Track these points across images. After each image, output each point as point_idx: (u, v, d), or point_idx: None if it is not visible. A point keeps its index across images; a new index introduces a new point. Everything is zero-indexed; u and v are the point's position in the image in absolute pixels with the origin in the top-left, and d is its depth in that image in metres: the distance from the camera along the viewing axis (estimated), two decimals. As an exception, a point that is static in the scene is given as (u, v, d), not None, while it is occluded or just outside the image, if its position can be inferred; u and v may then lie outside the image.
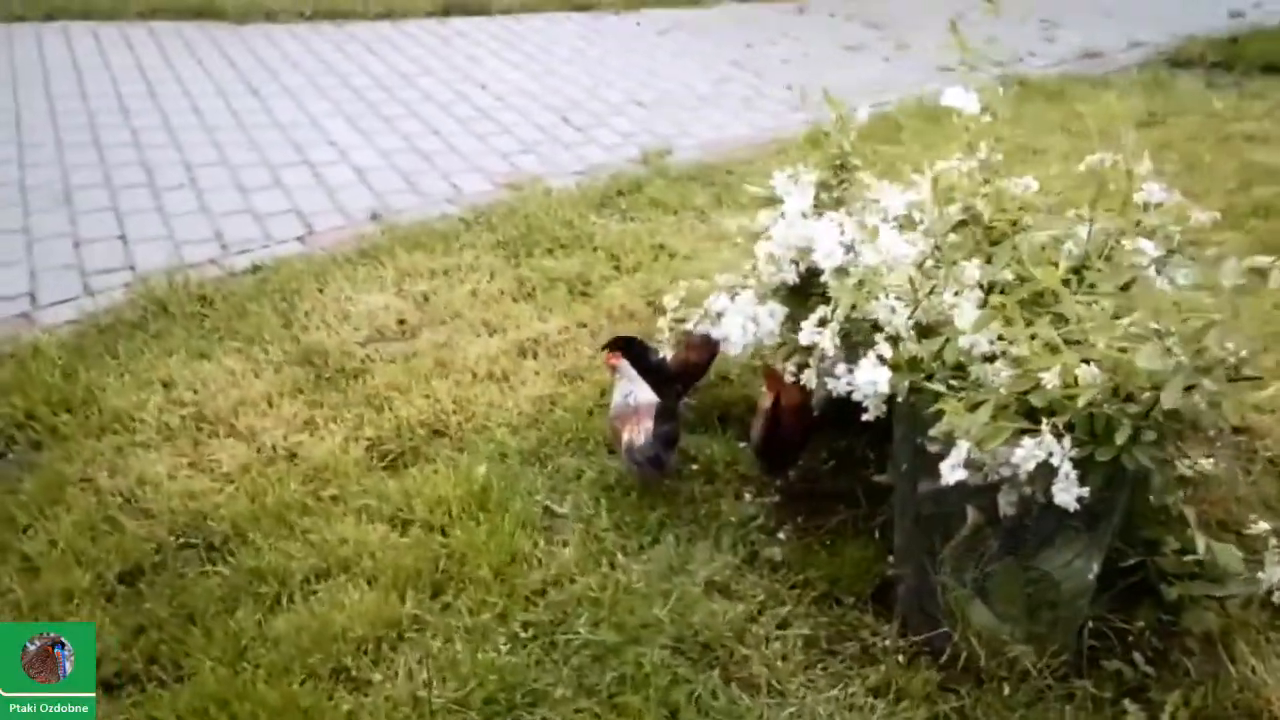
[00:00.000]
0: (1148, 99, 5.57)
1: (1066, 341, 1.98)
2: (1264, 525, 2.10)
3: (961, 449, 1.99)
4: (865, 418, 2.29)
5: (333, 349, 3.32)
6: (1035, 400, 1.98)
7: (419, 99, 5.86)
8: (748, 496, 2.71)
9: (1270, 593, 2.09)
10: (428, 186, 4.68)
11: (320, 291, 3.68)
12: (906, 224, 2.43)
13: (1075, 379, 1.91)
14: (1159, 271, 2.26)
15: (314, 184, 4.66)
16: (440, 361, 3.29)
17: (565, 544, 2.52)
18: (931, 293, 2.13)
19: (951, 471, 2.00)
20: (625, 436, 2.68)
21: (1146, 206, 2.39)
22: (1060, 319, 2.10)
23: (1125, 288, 2.18)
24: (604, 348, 2.99)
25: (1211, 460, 2.28)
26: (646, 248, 4.02)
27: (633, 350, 2.91)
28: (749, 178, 4.55)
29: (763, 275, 2.51)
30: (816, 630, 2.27)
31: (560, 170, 4.87)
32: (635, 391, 2.74)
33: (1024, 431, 1.95)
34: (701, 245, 4.03)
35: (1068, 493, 1.93)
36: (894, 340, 2.10)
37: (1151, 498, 2.17)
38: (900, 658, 2.21)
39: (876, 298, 2.17)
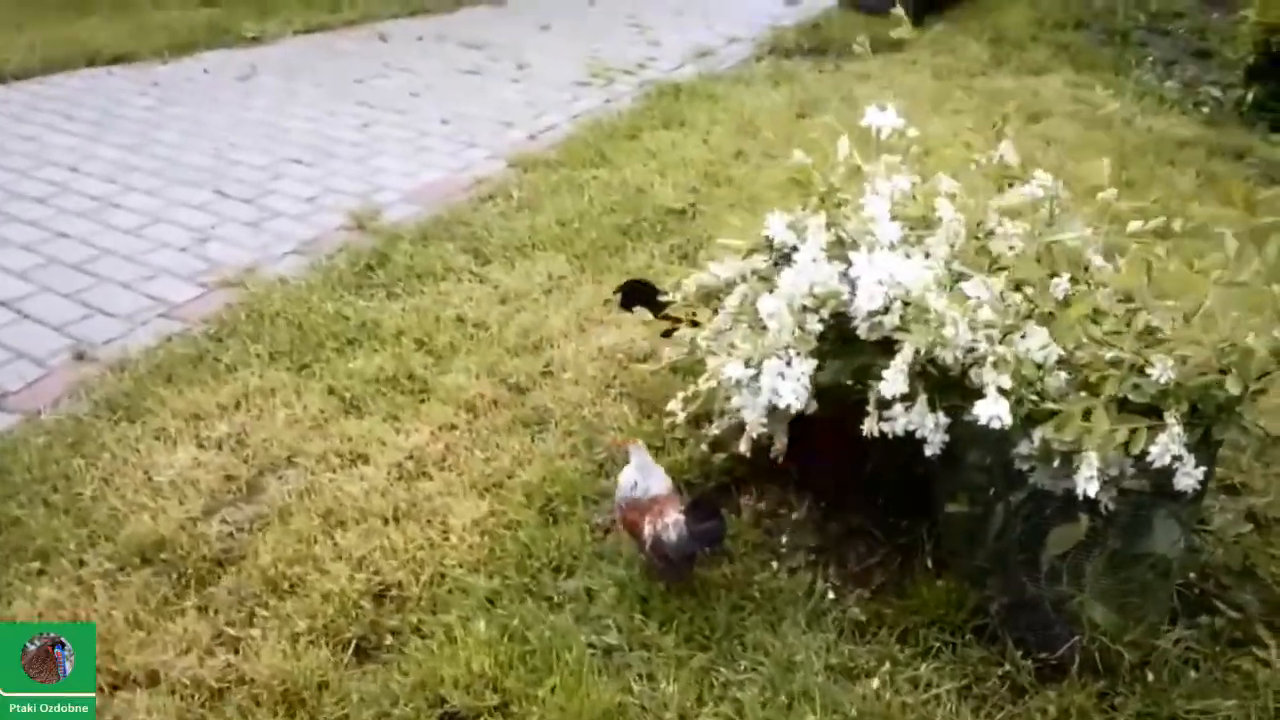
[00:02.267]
0: (789, 90, 6.19)
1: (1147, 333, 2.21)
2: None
3: (1092, 458, 2.12)
4: (929, 451, 2.36)
5: (175, 536, 2.67)
6: (1135, 396, 2.18)
7: (6, 199, 4.83)
8: (775, 564, 2.64)
9: None
10: (119, 305, 3.89)
11: (93, 466, 2.94)
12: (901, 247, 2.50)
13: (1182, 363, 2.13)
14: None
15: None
16: (323, 513, 2.79)
17: (648, 677, 2.28)
18: (1015, 324, 2.23)
19: (1087, 482, 2.13)
20: (647, 530, 2.50)
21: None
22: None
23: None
24: (616, 291, 3.28)
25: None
26: (449, 323, 3.71)
27: (644, 290, 3.16)
28: (498, 229, 4.39)
29: (774, 331, 2.44)
30: (956, 678, 2.30)
31: (268, 254, 4.30)
32: (643, 481, 2.57)
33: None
34: (499, 310, 3.80)
35: (1190, 476, 2.15)
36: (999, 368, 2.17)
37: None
38: (1031, 678, 2.31)
39: (955, 331, 2.22)
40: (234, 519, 2.79)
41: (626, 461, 2.64)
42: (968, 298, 2.31)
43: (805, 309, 2.43)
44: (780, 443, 2.75)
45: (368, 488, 2.88)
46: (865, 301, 2.32)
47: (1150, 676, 2.29)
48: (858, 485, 2.80)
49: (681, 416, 2.57)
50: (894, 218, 2.49)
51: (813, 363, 2.35)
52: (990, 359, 2.18)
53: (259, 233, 4.52)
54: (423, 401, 3.30)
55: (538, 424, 3.20)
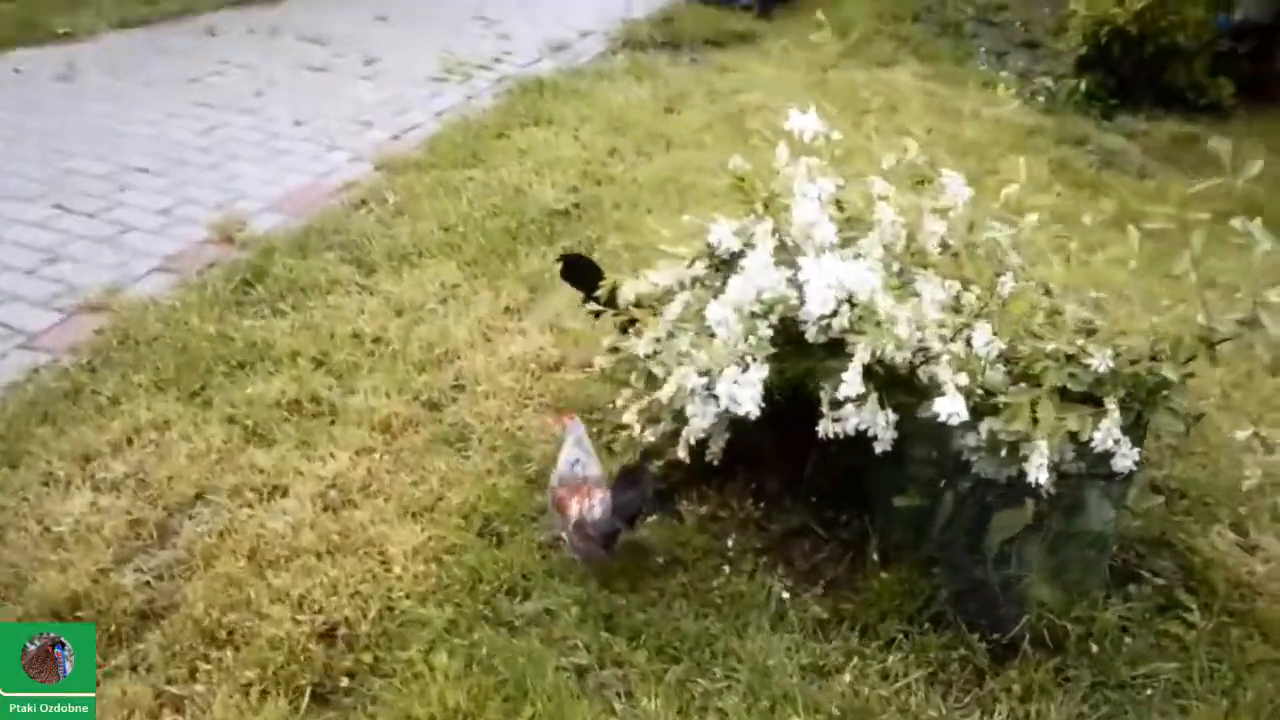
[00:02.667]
0: (652, 84, 6.23)
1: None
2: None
3: (1042, 446, 2.24)
4: (879, 449, 2.44)
5: (89, 591, 2.49)
6: (1073, 385, 2.31)
7: None
8: (726, 569, 2.67)
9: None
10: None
11: (-22, 520, 2.70)
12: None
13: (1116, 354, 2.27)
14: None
15: None
16: (248, 553, 2.65)
17: (627, 695, 2.28)
18: (967, 322, 2.32)
19: (1038, 470, 2.25)
20: (573, 509, 2.55)
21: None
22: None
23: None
24: (557, 260, 3.33)
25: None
26: (345, 339, 3.57)
27: (580, 264, 3.22)
28: (378, 237, 4.26)
29: (723, 337, 2.46)
30: (921, 666, 2.38)
31: (128, 273, 4.03)
32: (584, 459, 2.62)
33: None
34: (396, 323, 3.69)
35: (1127, 458, 2.30)
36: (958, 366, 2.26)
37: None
38: (988, 659, 2.42)
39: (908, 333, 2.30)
40: (150, 566, 2.61)
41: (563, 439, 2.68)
42: (916, 297, 2.39)
43: (754, 315, 2.45)
44: (717, 445, 2.79)
45: (292, 521, 2.75)
46: (817, 306, 2.37)
47: (1094, 648, 2.43)
48: (796, 484, 2.86)
49: (638, 429, 2.56)
50: (830, 220, 2.55)
51: (766, 369, 2.38)
52: (944, 357, 2.27)
53: (114, 249, 4.23)
54: (332, 424, 3.17)
55: (459, 441, 3.13)
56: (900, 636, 2.46)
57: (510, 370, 3.44)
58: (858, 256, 2.45)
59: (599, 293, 2.94)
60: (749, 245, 2.53)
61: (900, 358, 2.34)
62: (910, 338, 2.29)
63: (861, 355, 2.29)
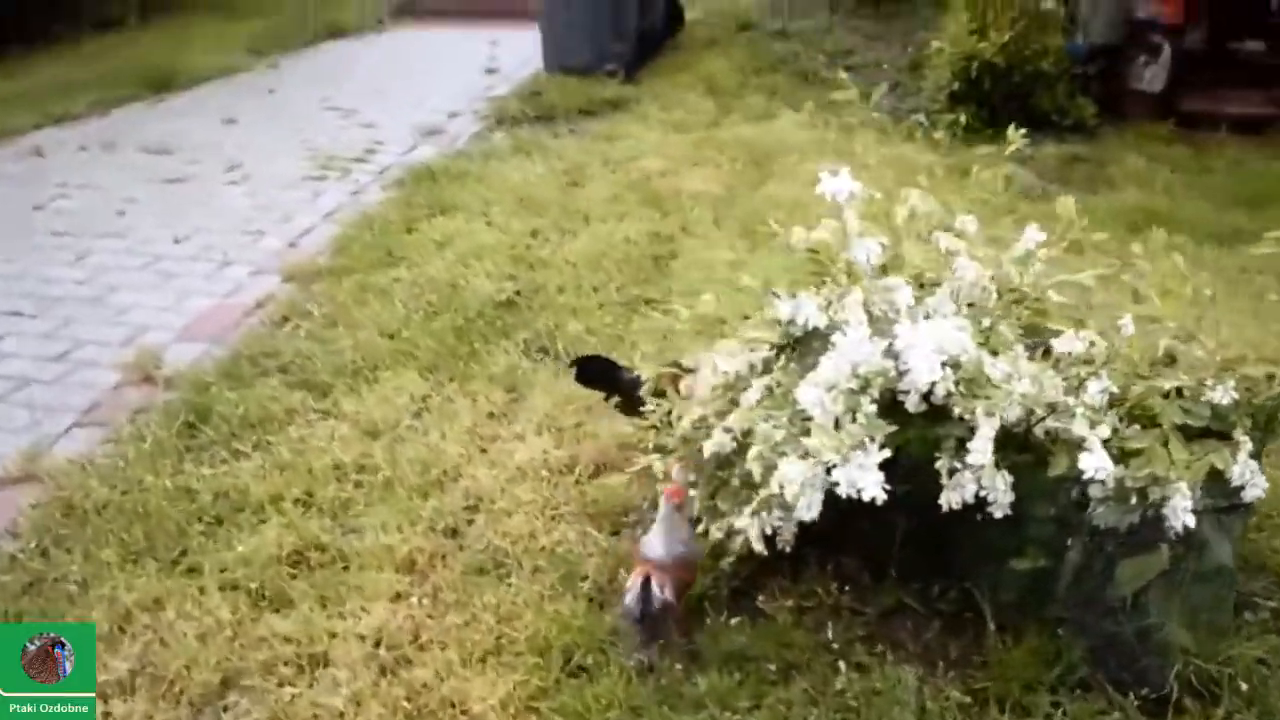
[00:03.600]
0: (544, 159, 6.09)
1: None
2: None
3: (1184, 488, 2.20)
4: (998, 513, 2.35)
5: None
6: (1192, 421, 2.29)
7: None
8: (841, 665, 2.50)
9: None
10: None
11: None
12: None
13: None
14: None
15: None
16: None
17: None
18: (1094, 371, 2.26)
19: (1183, 515, 2.20)
20: (629, 582, 2.47)
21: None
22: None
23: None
24: (571, 365, 3.35)
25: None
26: (327, 473, 3.24)
27: (594, 368, 3.21)
28: (318, 354, 3.94)
29: (820, 420, 2.31)
30: (1087, 735, 2.28)
31: (43, 434, 3.55)
32: (653, 539, 2.53)
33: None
34: (377, 447, 3.39)
35: (1257, 487, 2.28)
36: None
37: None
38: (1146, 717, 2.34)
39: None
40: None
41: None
42: (1011, 351, 2.33)
43: (853, 391, 2.33)
44: (789, 531, 2.64)
45: (350, 694, 2.43)
46: (925, 374, 2.26)
47: (1244, 686, 2.38)
48: (873, 561, 2.73)
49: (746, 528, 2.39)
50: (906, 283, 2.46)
51: (885, 449, 2.25)
52: (1079, 410, 2.20)
53: (16, 409, 3.74)
54: (347, 570, 2.85)
55: (497, 568, 2.87)
56: (1052, 710, 2.35)
57: (523, 481, 3.20)
58: (952, 315, 2.37)
59: (644, 388, 2.76)
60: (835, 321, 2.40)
61: (1014, 416, 2.26)
62: (1039, 395, 2.21)
63: (989, 422, 2.19)
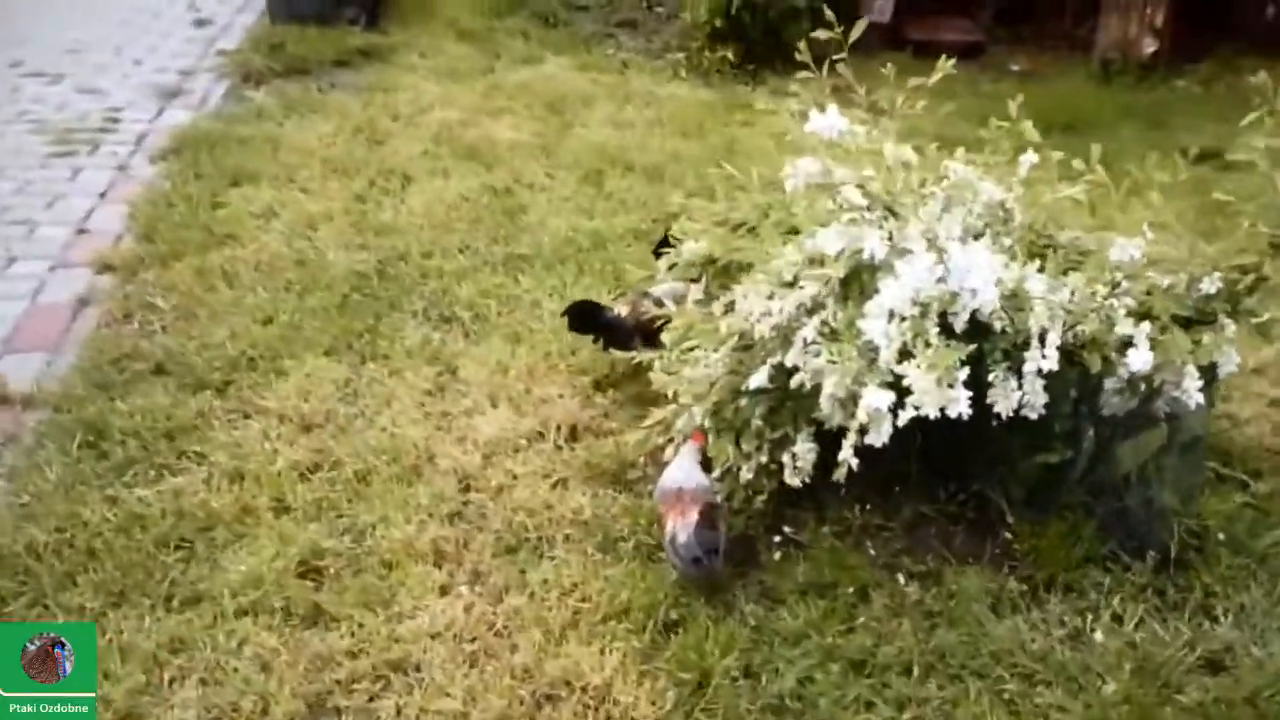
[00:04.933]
0: (328, 117, 5.75)
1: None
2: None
3: (1192, 370, 2.60)
4: (1034, 415, 2.64)
5: None
6: (1182, 311, 2.69)
7: None
8: (901, 579, 2.74)
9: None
10: None
11: None
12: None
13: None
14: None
15: None
16: None
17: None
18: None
19: (1196, 395, 2.60)
20: (668, 526, 2.64)
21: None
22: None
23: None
24: (563, 314, 3.48)
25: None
26: (279, 478, 3.02)
27: (585, 311, 3.44)
28: (191, 352, 3.62)
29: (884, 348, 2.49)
30: (1132, 601, 2.65)
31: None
32: (681, 474, 2.70)
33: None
34: (316, 442, 3.19)
35: (1231, 362, 2.73)
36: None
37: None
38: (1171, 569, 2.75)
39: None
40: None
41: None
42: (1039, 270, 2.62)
43: (916, 318, 2.52)
44: (807, 462, 2.82)
45: (462, 692, 2.36)
46: (990, 296, 2.50)
47: (1221, 535, 2.85)
48: (884, 479, 2.97)
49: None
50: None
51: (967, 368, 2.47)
52: (1121, 311, 2.52)
53: None
54: (376, 572, 2.72)
55: (526, 544, 2.84)
56: (1086, 585, 2.70)
57: (505, 455, 3.15)
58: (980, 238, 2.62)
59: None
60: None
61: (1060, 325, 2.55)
62: (1084, 304, 2.51)
63: (1055, 329, 2.47)
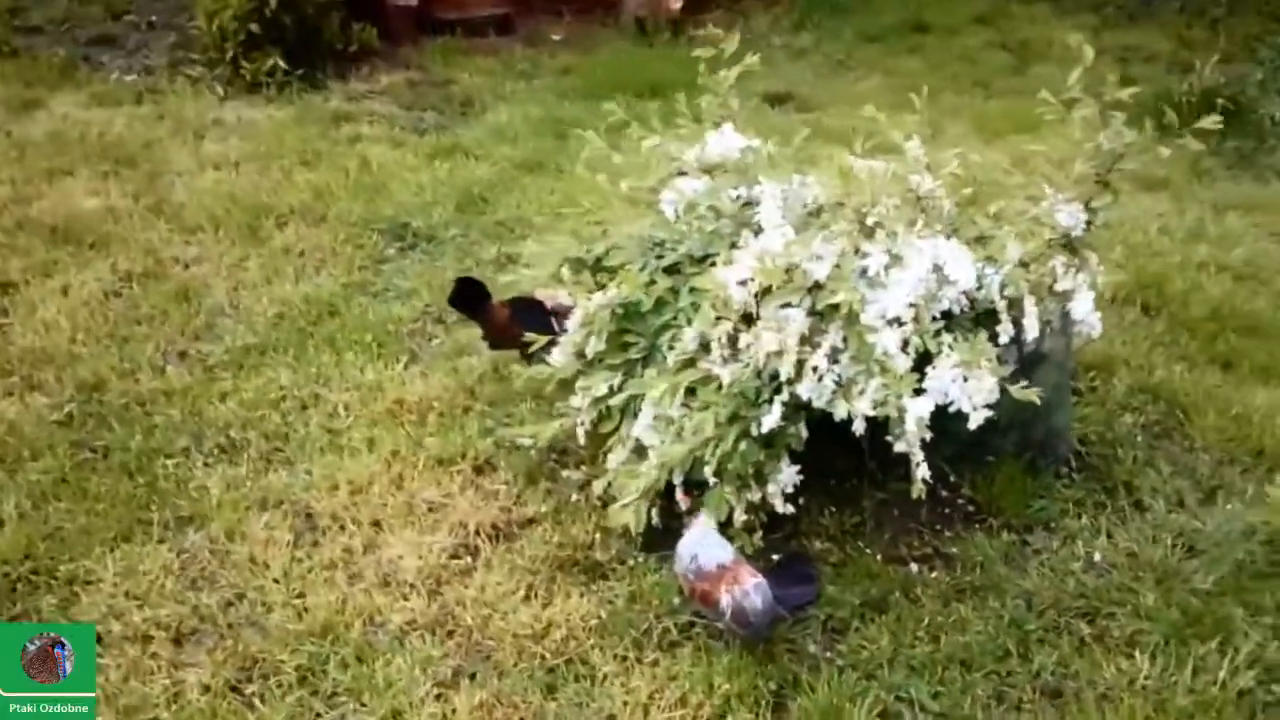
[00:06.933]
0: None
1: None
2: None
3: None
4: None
5: None
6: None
7: None
8: (915, 566, 2.86)
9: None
10: None
11: None
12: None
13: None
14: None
15: None
16: None
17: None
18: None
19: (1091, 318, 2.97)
20: (725, 600, 2.50)
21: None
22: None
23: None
24: (449, 301, 3.29)
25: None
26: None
27: (471, 291, 3.23)
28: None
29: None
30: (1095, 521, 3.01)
31: None
32: (702, 554, 2.58)
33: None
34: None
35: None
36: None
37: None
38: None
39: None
40: None
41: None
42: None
43: (922, 319, 2.62)
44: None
45: None
46: (969, 279, 2.66)
47: (1094, 439, 3.31)
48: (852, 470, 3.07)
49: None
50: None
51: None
52: (1061, 268, 2.79)
53: None
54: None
55: (565, 676, 2.53)
56: (1053, 510, 3.02)
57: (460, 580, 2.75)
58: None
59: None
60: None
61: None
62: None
63: (1031, 307, 2.68)
